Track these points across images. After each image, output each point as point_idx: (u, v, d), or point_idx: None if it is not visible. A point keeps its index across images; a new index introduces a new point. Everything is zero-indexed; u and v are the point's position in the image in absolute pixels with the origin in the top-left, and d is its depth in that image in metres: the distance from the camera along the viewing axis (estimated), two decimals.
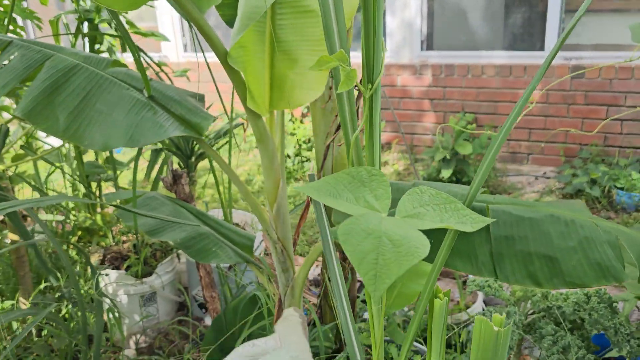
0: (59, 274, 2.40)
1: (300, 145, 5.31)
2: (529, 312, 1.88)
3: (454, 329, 2.45)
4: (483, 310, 2.80)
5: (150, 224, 1.86)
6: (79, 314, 2.02)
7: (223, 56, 1.31)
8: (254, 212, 1.66)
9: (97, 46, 2.77)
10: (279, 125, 1.59)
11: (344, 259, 1.91)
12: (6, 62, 1.62)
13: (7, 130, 2.00)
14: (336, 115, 1.66)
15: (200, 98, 1.77)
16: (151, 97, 1.62)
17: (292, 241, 1.77)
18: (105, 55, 2.91)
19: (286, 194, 1.60)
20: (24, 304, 2.60)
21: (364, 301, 2.65)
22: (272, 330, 1.81)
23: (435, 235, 1.35)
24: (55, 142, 4.50)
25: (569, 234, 1.23)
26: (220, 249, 1.83)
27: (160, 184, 3.04)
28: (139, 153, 1.87)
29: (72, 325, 2.22)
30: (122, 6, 1.31)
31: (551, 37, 4.83)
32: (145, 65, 3.16)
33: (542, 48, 4.92)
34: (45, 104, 1.52)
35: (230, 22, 1.58)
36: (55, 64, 1.60)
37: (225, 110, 1.98)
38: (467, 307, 2.59)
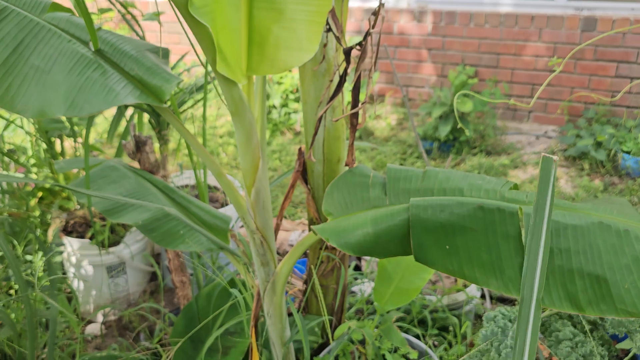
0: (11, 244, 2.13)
1: (287, 95, 4.96)
2: (543, 309, 1.65)
3: (450, 311, 2.25)
4: (482, 289, 2.60)
5: (108, 202, 1.58)
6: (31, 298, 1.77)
7: (183, 6, 0.99)
8: (227, 195, 1.38)
9: None
10: (260, 92, 1.29)
11: (333, 248, 1.65)
12: None
13: None
14: (331, 81, 1.36)
15: (165, 54, 1.44)
16: (99, 51, 1.30)
17: (274, 228, 1.50)
18: None
19: (267, 176, 1.32)
20: None
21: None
22: (249, 328, 1.58)
23: (450, 238, 1.09)
24: None
25: (622, 247, 0.97)
26: (190, 233, 1.56)
27: None
28: (91, 118, 1.56)
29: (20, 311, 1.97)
30: None
31: None
32: (108, 6, 2.77)
33: None
34: None
35: None
36: None
37: (200, 61, 1.64)
38: (465, 286, 2.38)
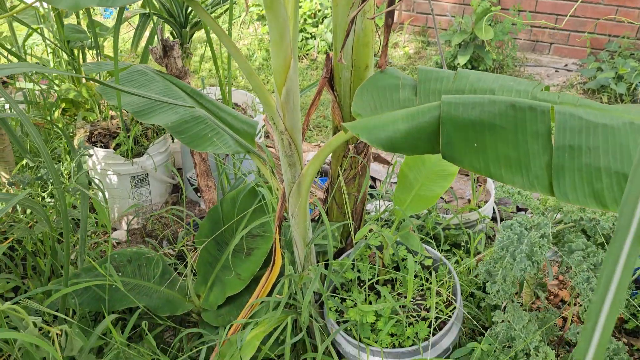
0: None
1: (305, 20, 4.86)
2: (557, 222, 1.71)
3: (462, 229, 2.32)
4: (494, 211, 2.66)
5: (137, 103, 1.61)
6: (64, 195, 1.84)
7: None
8: (257, 95, 1.40)
9: None
10: None
11: (357, 152, 1.69)
12: None
13: None
14: None
15: None
16: None
17: (301, 131, 1.53)
18: None
19: (297, 76, 1.33)
20: (5, 178, 2.42)
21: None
22: (274, 228, 1.65)
23: (479, 135, 1.12)
24: None
25: None
26: (218, 135, 1.59)
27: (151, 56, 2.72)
28: (121, 13, 1.55)
29: (56, 207, 2.05)
30: None
31: None
32: None
33: None
34: None
35: None
36: None
37: None
38: (479, 207, 2.44)
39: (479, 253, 2.27)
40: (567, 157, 1.01)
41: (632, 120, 1.01)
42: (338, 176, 1.72)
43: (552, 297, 2.14)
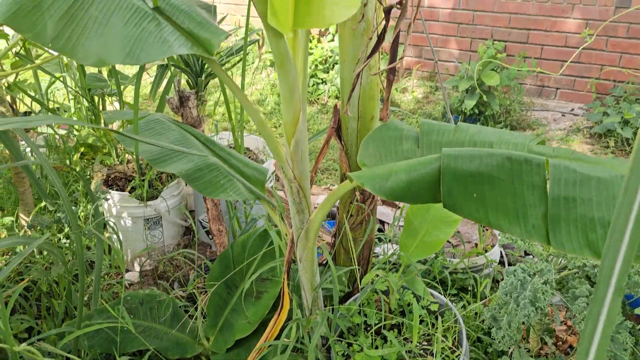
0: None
1: (316, 66, 5.01)
2: (561, 268, 1.73)
3: (469, 273, 2.34)
4: (501, 255, 2.68)
5: (153, 151, 1.69)
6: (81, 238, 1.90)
7: None
8: (268, 145, 1.47)
9: None
10: (303, 47, 1.37)
11: (363, 200, 1.75)
12: None
13: None
14: (370, 39, 1.43)
15: (212, 10, 1.52)
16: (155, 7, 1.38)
17: (309, 179, 1.60)
18: None
19: (306, 128, 1.40)
20: (25, 220, 2.50)
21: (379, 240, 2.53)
22: (281, 272, 1.69)
23: (478, 186, 1.17)
24: None
25: None
26: (229, 182, 1.66)
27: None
28: (142, 69, 1.65)
29: (71, 249, 2.12)
30: None
31: None
32: None
33: None
34: (31, 7, 1.30)
35: None
36: None
37: (247, 22, 1.73)
38: (486, 251, 2.46)
39: (486, 297, 2.28)
40: (563, 208, 1.05)
41: (624, 174, 1.06)
42: (345, 222, 1.77)
43: (560, 342, 2.13)
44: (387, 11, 1.28)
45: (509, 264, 2.68)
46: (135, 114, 1.63)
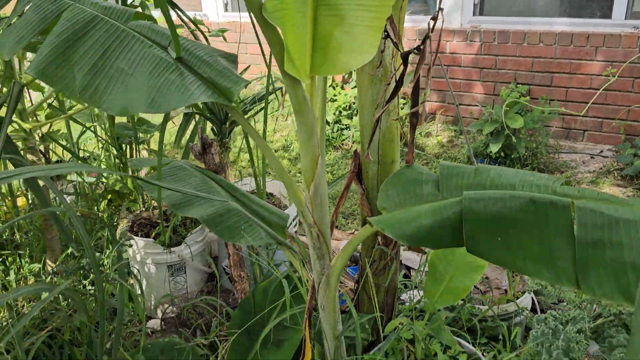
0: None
1: (340, 112, 5.08)
2: (596, 316, 1.65)
3: (499, 321, 2.24)
4: (533, 302, 2.57)
5: (176, 197, 1.70)
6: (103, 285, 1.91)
7: (257, 9, 1.10)
8: (287, 190, 1.47)
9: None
10: (321, 93, 1.38)
11: (385, 244, 1.72)
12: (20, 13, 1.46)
13: (22, 89, 1.85)
14: (387, 84, 1.44)
15: (233, 59, 1.57)
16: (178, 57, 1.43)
17: (330, 224, 1.58)
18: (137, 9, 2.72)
19: (325, 173, 1.40)
20: (51, 267, 2.53)
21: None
22: (303, 319, 1.65)
23: (502, 230, 1.13)
24: None
25: None
26: (250, 228, 1.66)
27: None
28: (166, 118, 1.70)
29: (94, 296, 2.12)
30: None
31: (620, 3, 4.38)
32: (177, 22, 2.97)
33: (608, 16, 4.48)
34: (61, 61, 1.36)
35: None
36: (72, 16, 1.43)
37: (270, 70, 1.77)
38: (517, 298, 2.37)
39: (518, 347, 2.18)
40: (591, 252, 1.01)
41: None
42: (367, 267, 1.74)
43: None
44: (405, 57, 1.29)
45: (542, 311, 2.58)
46: (159, 161, 1.66)
